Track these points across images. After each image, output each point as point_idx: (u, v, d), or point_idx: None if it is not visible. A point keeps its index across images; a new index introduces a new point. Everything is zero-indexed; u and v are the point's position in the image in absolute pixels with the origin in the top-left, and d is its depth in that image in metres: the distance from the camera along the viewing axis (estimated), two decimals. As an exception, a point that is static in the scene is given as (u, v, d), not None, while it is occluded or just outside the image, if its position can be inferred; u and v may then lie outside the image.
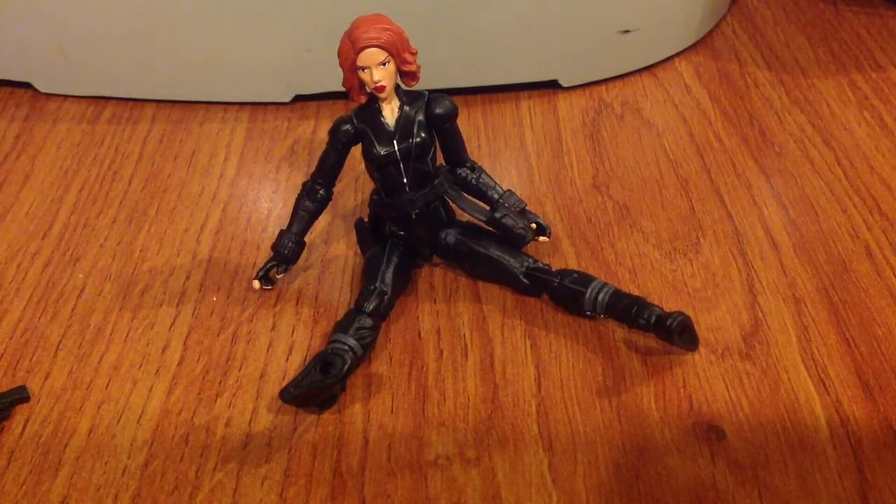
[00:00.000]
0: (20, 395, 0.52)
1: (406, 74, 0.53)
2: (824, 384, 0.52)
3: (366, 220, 0.60)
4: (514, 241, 0.57)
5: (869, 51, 0.82)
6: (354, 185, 0.68)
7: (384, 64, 0.51)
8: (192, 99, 0.78)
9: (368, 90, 0.53)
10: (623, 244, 0.62)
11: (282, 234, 0.57)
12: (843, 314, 0.56)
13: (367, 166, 0.57)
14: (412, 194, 0.55)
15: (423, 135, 0.54)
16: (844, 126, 0.72)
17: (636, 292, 0.55)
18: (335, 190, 0.57)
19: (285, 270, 0.58)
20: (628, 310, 0.53)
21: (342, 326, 0.53)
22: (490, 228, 0.57)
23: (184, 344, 0.56)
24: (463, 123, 0.58)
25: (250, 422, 0.51)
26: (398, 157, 0.54)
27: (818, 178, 0.67)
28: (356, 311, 0.54)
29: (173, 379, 0.54)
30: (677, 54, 0.82)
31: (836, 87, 0.77)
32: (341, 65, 0.52)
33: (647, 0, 0.76)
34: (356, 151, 0.55)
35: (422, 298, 0.59)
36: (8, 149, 0.74)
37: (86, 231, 0.65)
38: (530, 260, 0.57)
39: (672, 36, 0.81)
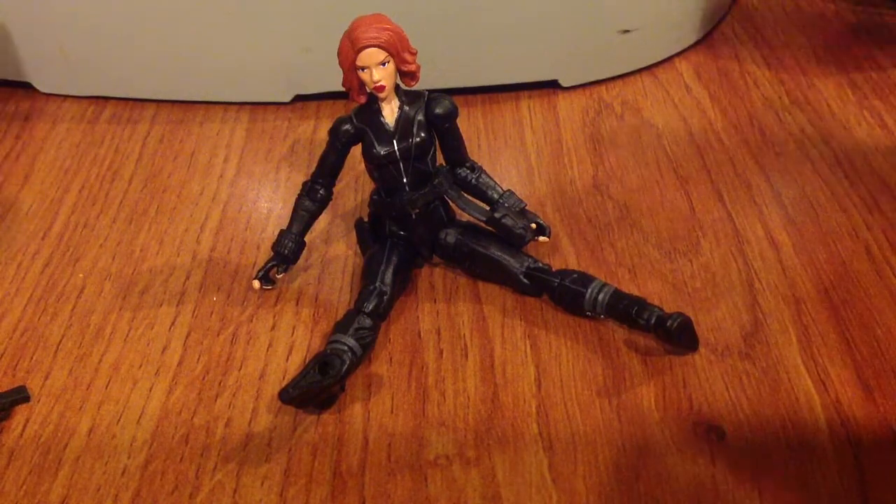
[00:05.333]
0: (20, 395, 0.52)
1: (406, 74, 0.53)
2: (824, 384, 0.52)
3: (366, 220, 0.60)
4: (513, 241, 0.57)
5: (869, 51, 0.82)
6: (354, 185, 0.68)
7: (384, 64, 0.51)
8: (192, 99, 0.78)
9: (368, 90, 0.53)
10: (623, 244, 0.62)
11: (282, 234, 0.57)
12: (843, 314, 0.56)
13: (366, 166, 0.57)
14: (412, 194, 0.55)
15: (422, 135, 0.54)
16: (844, 126, 0.72)
17: (636, 292, 0.55)
18: (335, 190, 0.57)
19: (285, 270, 0.58)
20: (628, 310, 0.53)
21: (342, 326, 0.53)
22: (490, 228, 0.57)
23: (184, 344, 0.56)
24: (463, 123, 0.58)
25: (250, 422, 0.51)
26: (398, 156, 0.54)
27: (818, 178, 0.67)
28: (356, 311, 0.54)
29: (173, 379, 0.54)
30: (677, 54, 0.82)
31: (836, 87, 0.77)
32: (341, 65, 0.52)
33: (647, 0, 0.76)
34: (356, 151, 0.55)
35: (422, 298, 0.59)
36: (8, 149, 0.74)
37: (86, 231, 0.65)
38: (530, 260, 0.57)
39: (672, 36, 0.81)
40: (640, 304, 0.53)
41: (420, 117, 0.54)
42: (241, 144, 0.73)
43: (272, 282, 0.58)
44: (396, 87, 0.54)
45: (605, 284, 0.55)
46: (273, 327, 0.57)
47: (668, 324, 0.51)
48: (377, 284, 0.55)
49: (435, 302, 0.58)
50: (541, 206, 0.65)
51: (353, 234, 0.62)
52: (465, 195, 0.57)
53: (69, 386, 0.54)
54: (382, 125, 0.54)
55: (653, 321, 0.52)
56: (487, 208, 0.57)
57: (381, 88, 0.52)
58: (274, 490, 0.48)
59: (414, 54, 0.53)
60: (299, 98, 0.78)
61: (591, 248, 0.62)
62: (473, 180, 0.57)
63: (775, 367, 0.53)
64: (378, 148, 0.54)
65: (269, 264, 0.57)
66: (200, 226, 0.65)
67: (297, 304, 0.59)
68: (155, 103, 0.78)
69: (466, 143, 0.57)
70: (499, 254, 0.57)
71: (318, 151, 0.56)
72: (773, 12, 0.88)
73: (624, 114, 0.75)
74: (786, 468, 0.48)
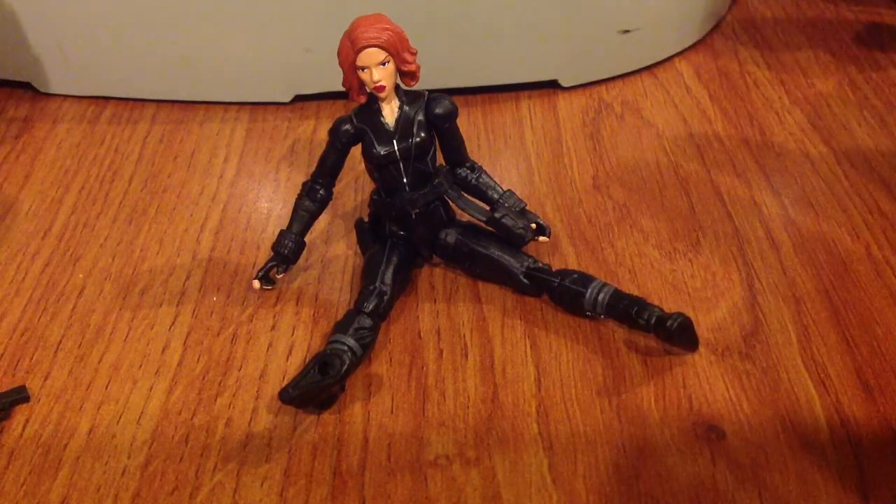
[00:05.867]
0: (20, 395, 0.52)
1: (406, 74, 0.53)
2: (824, 384, 0.52)
3: (366, 220, 0.60)
4: (513, 241, 0.57)
5: (869, 51, 0.82)
6: (354, 185, 0.68)
7: (384, 64, 0.51)
8: (192, 99, 0.78)
9: (368, 90, 0.53)
10: (623, 244, 0.62)
11: (282, 234, 0.57)
12: (843, 314, 0.56)
13: (366, 166, 0.57)
14: (412, 194, 0.55)
15: (422, 135, 0.54)
16: (844, 126, 0.72)
17: (636, 292, 0.55)
18: (335, 190, 0.57)
19: (285, 270, 0.58)
20: (628, 310, 0.53)
21: (341, 326, 0.53)
22: (490, 228, 0.57)
23: (184, 344, 0.56)
24: (463, 123, 0.58)
25: (250, 422, 0.51)
26: (398, 156, 0.54)
27: (818, 178, 0.67)
28: (356, 311, 0.54)
29: (173, 379, 0.54)
30: (677, 54, 0.82)
31: (836, 87, 0.77)
32: (341, 65, 0.52)
33: (647, 0, 0.76)
34: (356, 151, 0.55)
35: (422, 298, 0.59)
36: (8, 149, 0.74)
37: (86, 231, 0.65)
38: (530, 260, 0.57)
39: (672, 36, 0.81)
40: (640, 304, 0.53)
41: (420, 117, 0.54)
42: (241, 144, 0.73)
43: (272, 282, 0.58)
44: (396, 87, 0.54)
45: (605, 284, 0.55)
46: (273, 327, 0.57)
47: (668, 324, 0.51)
48: (377, 284, 0.55)
49: (435, 302, 0.58)
50: (541, 206, 0.65)
51: (353, 234, 0.62)
52: (465, 195, 0.57)
53: (69, 386, 0.54)
54: (382, 125, 0.54)
55: (653, 321, 0.52)
56: (487, 208, 0.57)
57: (381, 88, 0.52)
58: (274, 490, 0.48)
59: (414, 54, 0.53)
60: (299, 98, 0.78)
61: (591, 248, 0.62)
62: (473, 180, 0.57)
63: (775, 367, 0.53)
64: (378, 148, 0.54)
65: (269, 264, 0.57)
66: (200, 226, 0.65)
67: (297, 304, 0.59)
68: (155, 103, 0.78)
69: (466, 143, 0.57)
70: (499, 254, 0.57)
71: (318, 151, 0.56)
72: (773, 12, 0.88)
73: (624, 114, 0.75)
74: (786, 468, 0.48)
